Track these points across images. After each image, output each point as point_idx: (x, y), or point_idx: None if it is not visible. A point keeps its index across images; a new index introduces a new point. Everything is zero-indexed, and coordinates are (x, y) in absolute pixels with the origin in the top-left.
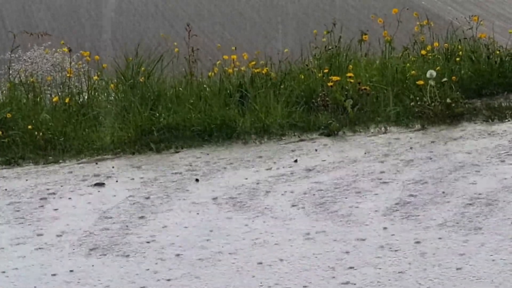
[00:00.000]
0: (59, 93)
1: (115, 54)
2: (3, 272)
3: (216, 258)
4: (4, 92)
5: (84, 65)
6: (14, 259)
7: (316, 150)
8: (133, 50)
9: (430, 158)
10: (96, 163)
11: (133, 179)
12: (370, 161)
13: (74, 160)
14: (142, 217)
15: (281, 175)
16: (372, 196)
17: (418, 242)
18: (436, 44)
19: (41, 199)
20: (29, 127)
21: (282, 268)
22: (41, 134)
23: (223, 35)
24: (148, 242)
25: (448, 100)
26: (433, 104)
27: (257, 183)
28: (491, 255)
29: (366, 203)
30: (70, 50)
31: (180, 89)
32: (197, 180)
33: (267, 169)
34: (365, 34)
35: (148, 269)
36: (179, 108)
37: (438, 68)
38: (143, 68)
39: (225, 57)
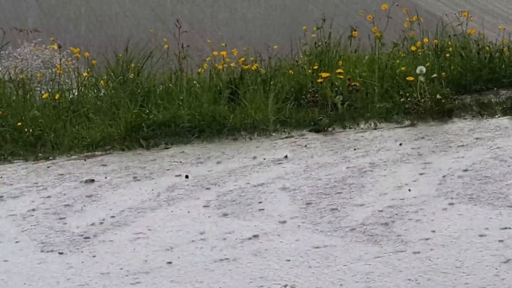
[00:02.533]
0: (49, 90)
1: (105, 50)
2: None
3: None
4: None
5: (74, 61)
6: None
7: (306, 146)
8: (123, 47)
9: (420, 154)
10: (85, 160)
11: (123, 174)
12: (359, 156)
13: (64, 156)
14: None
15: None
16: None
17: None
18: (426, 40)
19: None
20: (19, 123)
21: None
22: (31, 130)
23: (213, 31)
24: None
25: (438, 96)
26: (423, 100)
27: (248, 179)
28: None
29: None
30: (60, 47)
31: (170, 85)
32: (187, 176)
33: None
34: (355, 30)
35: None
36: (169, 104)
37: (428, 64)
38: (133, 65)
39: (215, 53)
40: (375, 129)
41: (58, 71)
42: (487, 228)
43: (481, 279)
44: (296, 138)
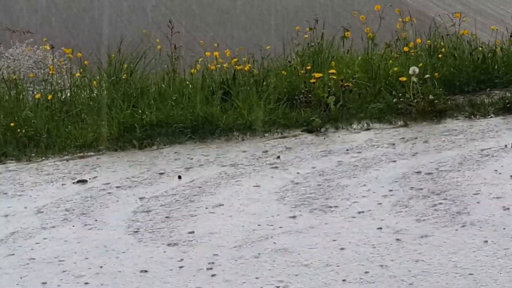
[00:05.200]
0: (42, 90)
1: (98, 51)
2: None
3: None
4: None
5: (66, 62)
6: None
7: (299, 146)
8: (116, 47)
9: (413, 155)
10: (73, 160)
11: (115, 176)
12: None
13: (57, 157)
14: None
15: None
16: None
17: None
18: (418, 40)
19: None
20: (12, 124)
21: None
22: (23, 131)
23: (205, 31)
24: None
25: (431, 97)
26: (415, 100)
27: (241, 180)
28: None
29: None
30: (52, 47)
31: (163, 86)
32: (179, 177)
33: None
34: (348, 31)
35: None
36: (162, 105)
37: (421, 64)
38: (125, 65)
39: (207, 53)
40: (368, 129)
41: (50, 72)
42: None
43: None
44: (289, 138)
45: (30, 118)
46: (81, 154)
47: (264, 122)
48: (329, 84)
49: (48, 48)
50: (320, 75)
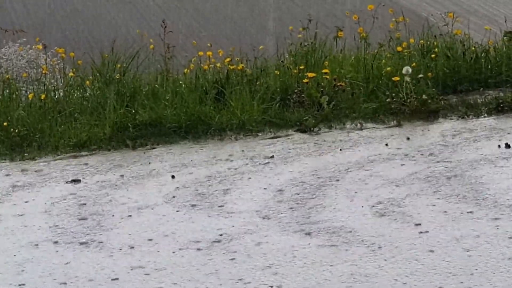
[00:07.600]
0: (35, 90)
1: (91, 50)
2: None
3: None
4: None
5: (59, 61)
6: None
7: (292, 146)
8: (109, 47)
9: (406, 155)
10: (66, 160)
11: (109, 176)
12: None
13: (50, 156)
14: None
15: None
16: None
17: None
18: (411, 40)
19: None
20: (5, 124)
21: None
22: (16, 130)
23: (198, 31)
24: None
25: (424, 96)
26: (409, 100)
27: (234, 179)
28: None
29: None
30: (45, 47)
31: (156, 85)
32: (173, 176)
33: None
34: (341, 31)
35: None
36: (155, 104)
37: (414, 64)
38: (118, 65)
39: (200, 53)
40: (361, 129)
41: (43, 71)
42: None
43: None
44: (282, 138)
45: (23, 118)
46: (74, 153)
47: (257, 121)
48: (322, 83)
49: (41, 47)
50: (313, 74)
